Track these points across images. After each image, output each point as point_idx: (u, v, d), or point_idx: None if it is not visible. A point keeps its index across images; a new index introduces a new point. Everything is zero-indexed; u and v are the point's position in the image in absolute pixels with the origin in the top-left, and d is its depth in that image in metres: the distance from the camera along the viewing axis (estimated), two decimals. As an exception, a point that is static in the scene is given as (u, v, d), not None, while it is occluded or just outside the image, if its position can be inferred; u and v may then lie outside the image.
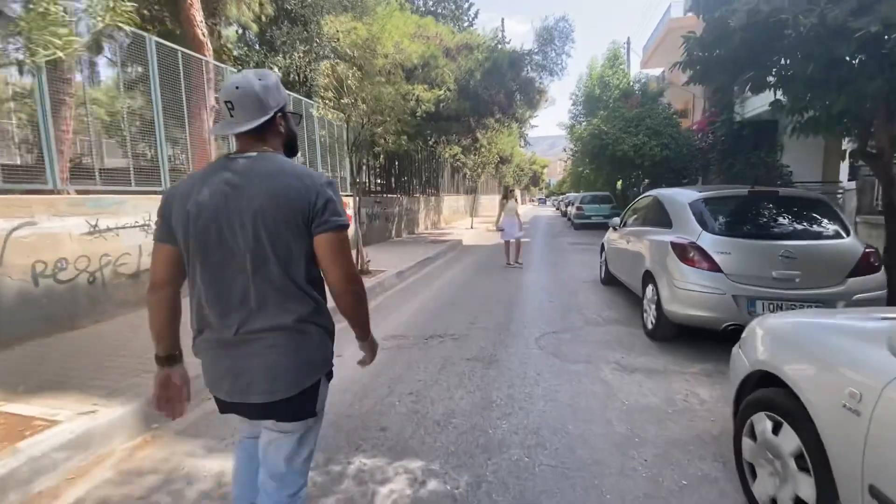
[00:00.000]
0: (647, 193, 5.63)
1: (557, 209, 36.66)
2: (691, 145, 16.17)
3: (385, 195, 13.66)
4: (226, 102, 1.26)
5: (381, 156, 14.15)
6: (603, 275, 6.86)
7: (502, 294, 6.43)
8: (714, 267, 3.73)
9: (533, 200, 66.89)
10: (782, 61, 4.61)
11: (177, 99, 5.99)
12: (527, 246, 12.16)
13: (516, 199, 9.67)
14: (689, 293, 3.80)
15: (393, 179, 15.74)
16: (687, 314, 3.83)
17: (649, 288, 4.43)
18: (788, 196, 4.02)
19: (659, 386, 3.31)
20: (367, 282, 6.53)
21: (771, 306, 3.59)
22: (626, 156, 14.94)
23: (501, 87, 13.26)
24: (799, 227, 3.84)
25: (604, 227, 19.38)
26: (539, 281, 7.32)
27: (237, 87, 1.24)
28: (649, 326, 4.34)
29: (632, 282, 5.18)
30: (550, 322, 4.98)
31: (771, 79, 4.51)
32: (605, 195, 18.56)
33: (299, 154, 1.93)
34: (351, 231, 1.69)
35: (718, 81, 4.80)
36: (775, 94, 5.03)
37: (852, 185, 9.36)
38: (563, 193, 45.56)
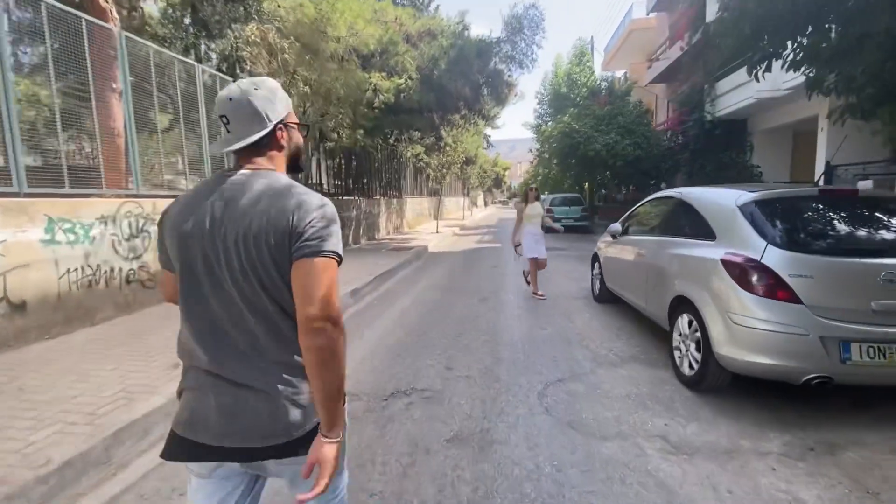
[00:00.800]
0: (660, 194, 4.59)
1: None
2: (661, 145, 15.69)
3: (341, 197, 12.17)
4: (221, 117, 1.13)
5: (339, 154, 12.68)
6: (597, 291, 5.80)
7: (482, 319, 5.22)
8: (790, 296, 2.67)
9: (496, 202, 66.79)
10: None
11: (80, 79, 4.56)
12: (499, 253, 11.07)
13: (541, 203, 6.79)
14: (754, 332, 2.73)
15: (351, 180, 14.28)
16: (751, 362, 2.75)
17: (683, 320, 3.35)
18: (874, 197, 3.05)
19: (739, 482, 2.19)
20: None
21: (872, 351, 2.57)
22: (599, 155, 14.22)
23: (468, 79, 12.13)
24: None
25: (576, 231, 19.31)
26: (522, 298, 6.18)
27: (230, 99, 1.12)
28: (687, 372, 3.25)
29: (648, 306, 4.10)
30: (551, 363, 3.80)
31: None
32: (576, 197, 17.84)
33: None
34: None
35: (762, 45, 3.77)
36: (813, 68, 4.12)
37: None
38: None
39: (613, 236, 5.23)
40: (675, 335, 3.48)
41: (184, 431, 1.11)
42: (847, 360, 2.59)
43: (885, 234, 2.85)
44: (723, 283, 2.92)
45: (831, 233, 2.87)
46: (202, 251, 1.08)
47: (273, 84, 1.18)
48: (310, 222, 1.05)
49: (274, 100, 1.16)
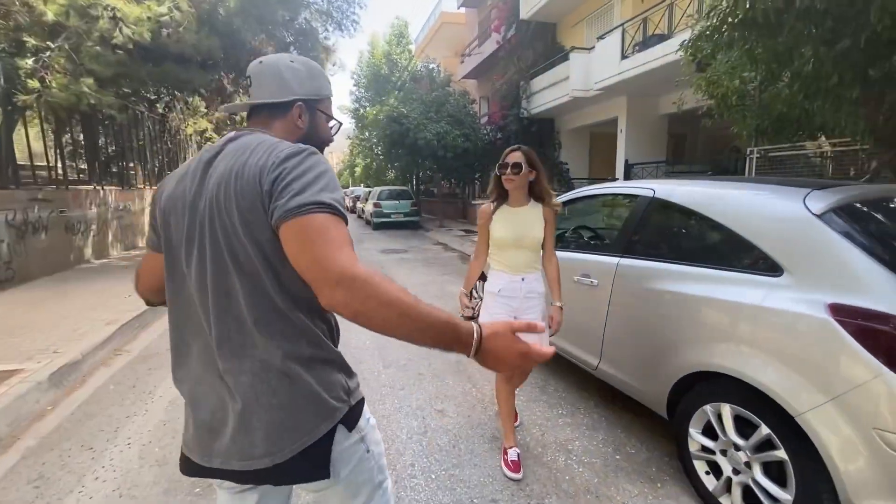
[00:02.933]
0: (614, 190, 3.10)
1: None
2: (484, 139, 15.53)
3: (66, 187, 7.71)
4: (246, 77, 1.05)
5: (69, 120, 8.11)
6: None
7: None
8: None
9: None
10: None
11: None
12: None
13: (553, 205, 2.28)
14: (939, 470, 1.38)
15: (98, 163, 9.60)
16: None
17: (727, 416, 1.88)
18: None
19: None
20: None
21: None
22: (430, 144, 12.99)
23: (269, 31, 9.20)
24: None
25: (407, 227, 17.98)
26: (382, 338, 4.14)
27: (261, 62, 1.04)
28: (748, 514, 1.82)
29: (611, 368, 2.60)
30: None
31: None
32: (404, 190, 16.44)
33: None
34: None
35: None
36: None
37: None
38: (346, 187, 42.32)
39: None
40: (699, 437, 2.02)
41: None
42: None
43: None
44: (851, 367, 1.51)
45: None
46: (178, 221, 0.94)
47: (315, 66, 1.10)
48: (287, 172, 0.84)
49: (306, 78, 1.06)
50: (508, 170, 2.12)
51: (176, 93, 9.75)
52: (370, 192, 18.25)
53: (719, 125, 8.10)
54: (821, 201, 1.80)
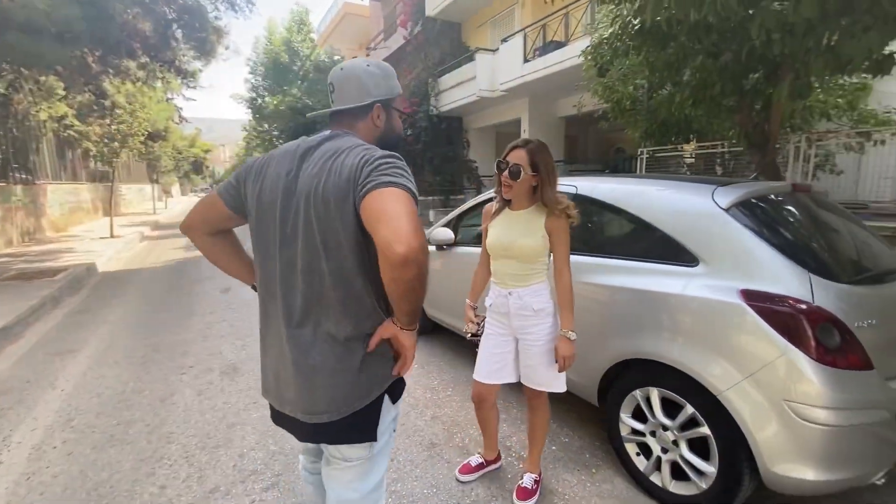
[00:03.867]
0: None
1: None
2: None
3: None
4: (329, 84, 1.20)
5: None
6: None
7: (237, 428, 2.65)
8: (863, 359, 1.64)
9: (196, 190, 55.63)
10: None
11: None
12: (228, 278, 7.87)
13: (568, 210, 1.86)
14: (833, 432, 1.58)
15: None
16: (829, 481, 1.61)
17: (655, 400, 2.01)
18: (825, 200, 2.40)
19: None
20: None
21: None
22: (338, 139, 12.41)
23: (147, 7, 8.06)
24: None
25: None
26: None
27: (342, 69, 1.19)
28: (673, 488, 1.94)
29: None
30: None
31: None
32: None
33: None
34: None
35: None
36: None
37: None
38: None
39: (439, 247, 3.59)
40: (629, 421, 2.13)
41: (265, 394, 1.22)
42: (911, 440, 1.77)
43: (875, 246, 2.20)
44: (761, 347, 1.67)
45: (839, 247, 2.03)
46: (273, 205, 1.11)
47: (387, 66, 1.22)
48: (377, 166, 1.01)
49: (382, 80, 1.19)
50: (506, 174, 1.77)
51: (23, 70, 8.04)
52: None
53: (606, 129, 8.94)
54: (726, 197, 1.98)
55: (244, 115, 23.82)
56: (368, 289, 1.08)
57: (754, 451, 1.67)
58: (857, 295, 1.72)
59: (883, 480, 1.70)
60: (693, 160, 7.03)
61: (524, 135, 12.94)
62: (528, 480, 2.06)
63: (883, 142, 4.83)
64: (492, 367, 1.94)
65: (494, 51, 12.15)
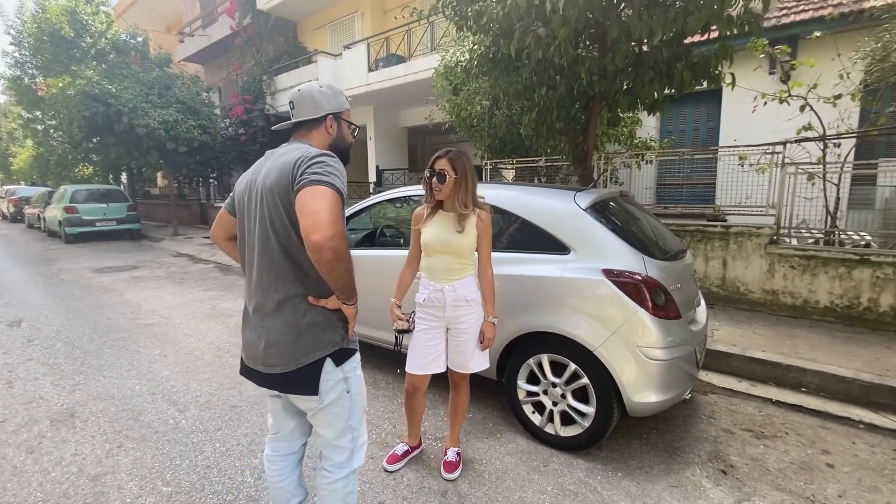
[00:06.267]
0: (407, 194, 3.36)
1: None
2: (223, 133, 13.81)
3: None
4: (290, 103, 1.48)
5: None
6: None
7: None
8: (677, 312, 2.35)
9: None
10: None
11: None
12: (15, 307, 6.05)
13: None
14: (664, 365, 2.23)
15: None
16: (663, 400, 2.26)
17: (546, 364, 2.46)
18: (636, 202, 3.17)
19: None
20: None
21: (700, 354, 2.65)
22: (154, 134, 10.58)
23: None
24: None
25: (123, 238, 13.77)
26: (161, 375, 3.24)
27: (299, 90, 1.48)
28: (564, 432, 2.42)
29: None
30: None
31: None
32: (116, 190, 12.78)
33: None
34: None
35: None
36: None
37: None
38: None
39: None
40: (525, 385, 2.55)
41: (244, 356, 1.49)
42: (699, 364, 2.58)
43: (667, 233, 3.05)
44: (619, 309, 2.25)
45: (651, 235, 2.77)
46: (242, 200, 1.43)
47: (337, 88, 1.53)
48: (310, 165, 1.25)
49: (332, 98, 1.49)
50: (435, 179, 1.98)
51: None
52: (53, 192, 13.44)
53: (440, 142, 9.81)
54: (584, 200, 2.56)
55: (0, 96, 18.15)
56: (311, 263, 1.28)
57: (621, 388, 2.24)
58: (668, 268, 2.45)
59: (689, 395, 2.46)
60: (528, 172, 8.28)
61: (370, 142, 13.18)
62: (451, 454, 2.30)
63: (649, 161, 6.57)
64: (426, 359, 2.10)
65: (337, 56, 12.06)
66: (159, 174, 19.33)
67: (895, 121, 4.70)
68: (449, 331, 2.12)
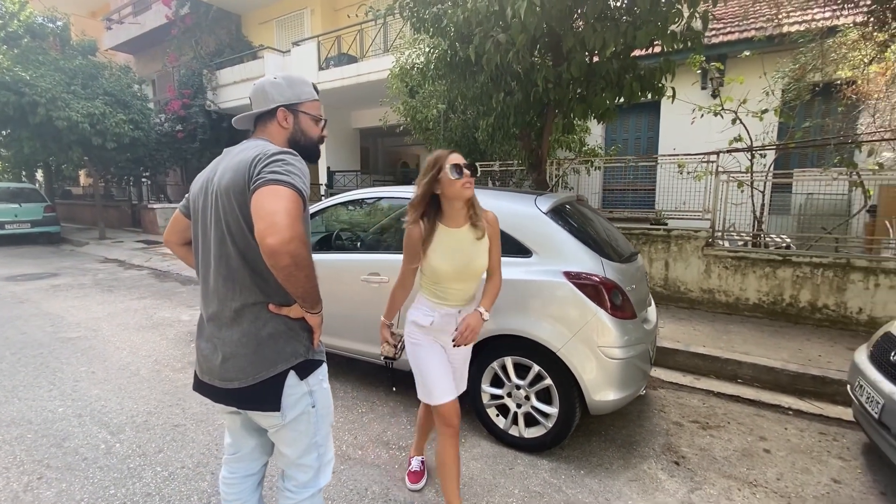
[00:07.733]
0: (363, 196, 3.26)
1: None
2: (158, 129, 12.87)
3: None
4: (250, 97, 1.39)
5: None
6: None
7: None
8: (633, 312, 2.44)
9: None
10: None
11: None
12: None
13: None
14: (622, 364, 2.31)
15: None
16: (623, 397, 2.33)
17: (510, 366, 2.47)
18: (591, 207, 3.25)
19: None
20: None
21: (652, 351, 2.78)
22: (77, 128, 9.63)
23: None
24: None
25: (37, 242, 12.32)
26: (90, 395, 2.91)
27: (255, 85, 1.36)
28: (528, 434, 2.44)
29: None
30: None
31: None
32: (31, 189, 11.51)
33: None
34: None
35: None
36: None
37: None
38: None
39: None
40: (489, 389, 2.54)
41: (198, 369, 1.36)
42: (652, 359, 2.70)
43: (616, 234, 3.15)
44: (580, 310, 2.30)
45: (611, 238, 2.86)
46: (196, 203, 1.31)
47: (295, 77, 1.37)
48: (268, 163, 1.14)
49: (286, 88, 1.34)
50: (468, 172, 1.68)
51: None
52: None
53: (391, 144, 9.73)
54: (544, 204, 2.61)
55: None
56: (269, 271, 1.18)
57: (583, 388, 2.29)
58: (623, 270, 2.54)
59: (644, 391, 2.56)
60: (485, 176, 8.38)
61: (322, 145, 12.77)
62: (416, 464, 2.24)
63: (598, 167, 6.87)
64: (449, 382, 1.82)
65: (285, 52, 11.63)
66: (82, 172, 17.70)
67: (809, 135, 5.22)
68: (447, 349, 1.86)
